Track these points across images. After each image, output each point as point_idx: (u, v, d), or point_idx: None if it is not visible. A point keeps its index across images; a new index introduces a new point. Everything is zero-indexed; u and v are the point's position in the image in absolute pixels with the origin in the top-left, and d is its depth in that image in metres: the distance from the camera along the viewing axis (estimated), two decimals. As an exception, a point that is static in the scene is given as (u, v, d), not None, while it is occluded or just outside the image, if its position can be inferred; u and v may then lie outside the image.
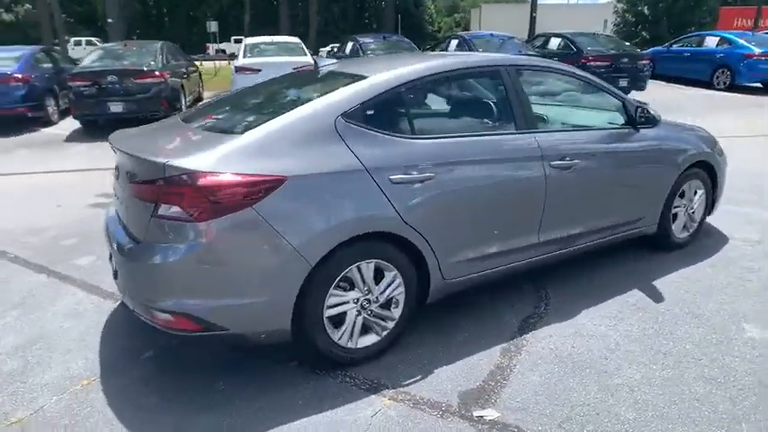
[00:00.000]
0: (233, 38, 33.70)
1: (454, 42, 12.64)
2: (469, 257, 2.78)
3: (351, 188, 2.36)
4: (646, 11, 25.67)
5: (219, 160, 2.15)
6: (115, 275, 2.53)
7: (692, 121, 4.89)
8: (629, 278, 3.45)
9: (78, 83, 8.28)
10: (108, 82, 8.25)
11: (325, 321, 2.41)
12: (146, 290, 2.26)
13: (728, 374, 2.45)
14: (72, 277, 3.62)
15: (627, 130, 3.42)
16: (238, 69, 9.60)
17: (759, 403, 2.26)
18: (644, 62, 11.59)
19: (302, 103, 2.50)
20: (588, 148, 3.21)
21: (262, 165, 2.19)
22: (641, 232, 3.68)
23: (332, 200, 2.31)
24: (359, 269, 2.44)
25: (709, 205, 4.06)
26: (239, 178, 2.12)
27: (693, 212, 3.96)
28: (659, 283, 3.38)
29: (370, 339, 2.59)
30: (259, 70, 9.06)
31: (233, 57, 18.12)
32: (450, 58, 2.98)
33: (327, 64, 3.37)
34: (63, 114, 9.85)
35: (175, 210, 2.13)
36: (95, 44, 29.01)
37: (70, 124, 9.38)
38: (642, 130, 3.46)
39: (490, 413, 2.22)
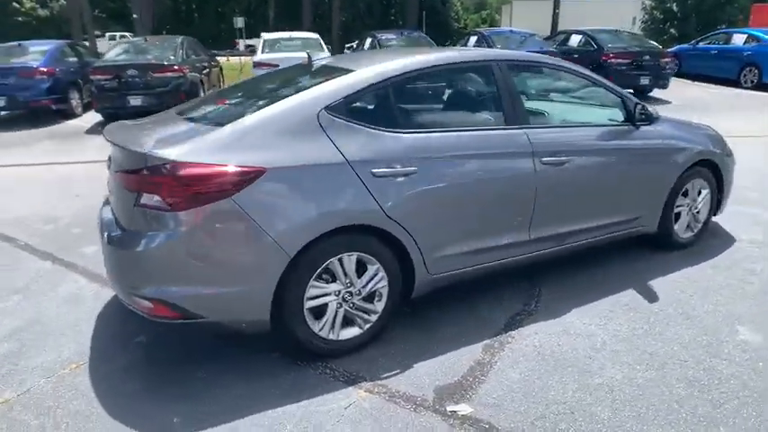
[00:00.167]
0: (262, 34, 34.20)
1: (473, 39, 12.55)
2: (456, 253, 2.77)
3: (332, 181, 2.38)
4: (674, 8, 25.01)
5: (198, 151, 2.20)
6: (105, 263, 2.60)
7: (714, 120, 4.78)
8: (627, 277, 3.39)
9: (99, 76, 8.50)
10: (128, 76, 8.45)
11: (306, 312, 2.43)
12: (128, 277, 2.32)
13: (713, 377, 2.40)
14: (76, 265, 3.73)
15: (625, 128, 3.36)
16: (257, 65, 9.72)
17: (741, 407, 2.20)
18: (667, 60, 11.29)
19: (288, 96, 2.53)
20: (584, 145, 3.16)
21: (241, 156, 2.22)
22: (641, 231, 3.61)
23: (312, 192, 2.33)
24: (340, 262, 2.46)
25: (715, 205, 3.96)
26: (217, 169, 2.16)
27: (698, 212, 3.86)
28: (656, 283, 3.31)
29: (353, 332, 2.60)
30: (277, 65, 9.13)
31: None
32: (439, 54, 2.96)
33: (321, 58, 3.39)
34: (86, 107, 10.11)
35: (156, 199, 2.18)
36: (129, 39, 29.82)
37: (93, 117, 9.64)
38: (642, 128, 3.39)
39: (464, 408, 2.22)
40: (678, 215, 3.75)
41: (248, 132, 2.31)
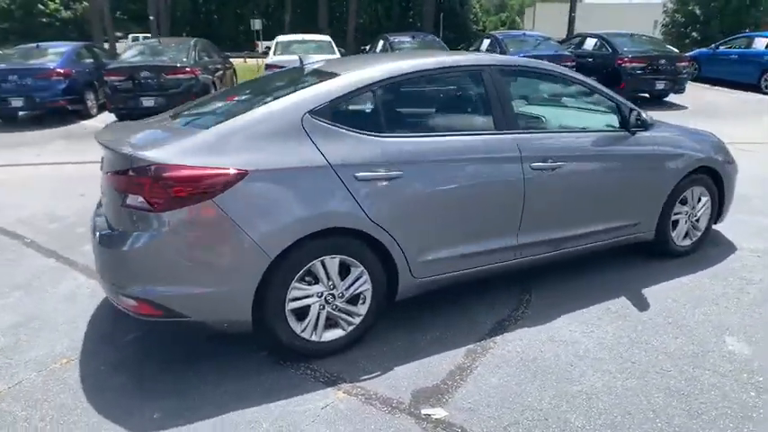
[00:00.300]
0: (277, 36, 34.59)
1: (486, 42, 12.51)
2: (441, 257, 2.78)
3: (314, 184, 2.41)
4: (697, 11, 24.56)
5: (181, 153, 2.25)
6: (95, 262, 2.67)
7: (728, 126, 4.70)
8: (621, 285, 3.37)
9: (113, 78, 8.70)
10: (141, 77, 8.63)
11: (288, 314, 2.47)
12: (113, 275, 2.38)
13: (694, 387, 2.37)
14: (77, 263, 3.82)
15: (620, 134, 3.34)
16: (268, 67, 9.84)
17: (718, 418, 2.17)
18: (683, 64, 11.13)
19: (275, 100, 2.57)
20: (576, 151, 3.15)
21: (223, 159, 2.27)
22: (638, 238, 3.58)
23: (294, 195, 2.37)
24: (323, 264, 2.49)
25: (716, 213, 3.90)
26: (198, 171, 2.21)
27: (698, 220, 3.81)
28: (649, 291, 3.28)
29: (336, 333, 2.63)
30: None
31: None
32: (429, 58, 2.98)
33: (313, 62, 3.43)
34: (101, 108, 10.34)
35: (140, 200, 2.24)
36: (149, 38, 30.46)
37: (107, 117, 9.84)
38: (637, 134, 3.36)
39: (438, 412, 2.23)
40: (676, 223, 3.70)
41: (232, 135, 2.35)
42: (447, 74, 2.95)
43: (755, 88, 12.97)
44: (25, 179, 6.31)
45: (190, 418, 2.23)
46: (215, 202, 2.22)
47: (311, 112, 2.47)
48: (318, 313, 2.55)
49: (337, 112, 2.53)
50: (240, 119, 2.43)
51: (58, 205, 5.09)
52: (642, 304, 3.13)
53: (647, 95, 11.52)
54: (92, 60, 10.56)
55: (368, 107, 2.63)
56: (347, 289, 2.58)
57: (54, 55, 9.69)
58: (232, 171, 2.24)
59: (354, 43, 28.76)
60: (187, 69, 8.86)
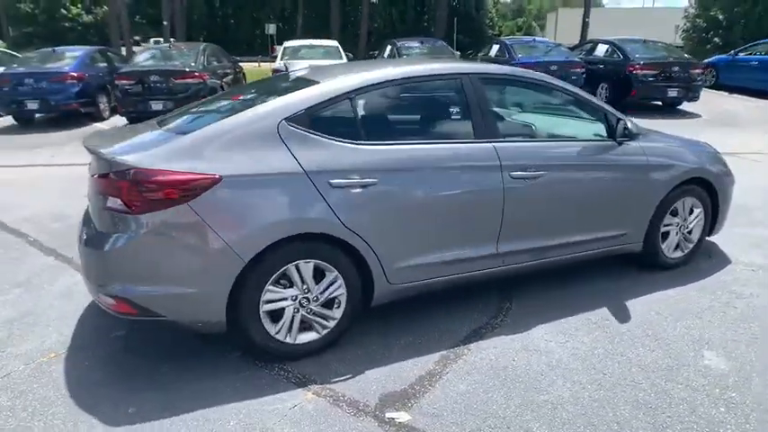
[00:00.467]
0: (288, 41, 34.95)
1: (495, 47, 12.50)
2: (418, 264, 2.81)
3: (288, 190, 2.47)
4: (720, 16, 24.10)
5: (158, 158, 2.33)
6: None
7: (744, 135, 4.61)
8: (606, 295, 3.36)
9: (124, 81, 8.93)
10: (151, 81, 8.84)
11: (262, 315, 2.53)
12: (93, 274, 2.48)
13: (663, 401, 2.36)
14: (75, 261, 3.94)
15: (606, 143, 3.33)
16: (275, 72, 9.98)
17: (681, 432, 2.17)
18: (698, 71, 10.95)
19: (253, 106, 2.64)
20: (558, 160, 3.16)
21: (199, 164, 2.34)
22: (625, 249, 3.56)
23: (267, 200, 2.43)
24: (297, 268, 2.55)
25: (709, 225, 3.86)
26: (173, 176, 2.28)
27: (690, 232, 3.77)
28: (633, 303, 3.26)
29: (310, 336, 2.68)
30: None
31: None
32: (409, 66, 3.02)
33: (298, 69, 3.50)
34: (113, 111, 10.59)
35: (118, 202, 2.32)
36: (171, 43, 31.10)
37: (118, 120, 10.08)
38: (624, 144, 3.35)
39: (402, 416, 2.27)
40: (666, 234, 3.68)
41: (208, 141, 2.43)
42: (425, 82, 2.99)
43: (776, 97, 12.72)
44: (35, 179, 6.52)
45: (163, 413, 2.30)
46: (189, 206, 2.29)
47: (287, 119, 2.53)
48: (293, 316, 2.61)
49: (313, 120, 2.59)
50: (217, 125, 2.51)
51: (64, 205, 5.23)
52: (623, 316, 3.12)
53: (659, 103, 11.38)
54: (105, 64, 10.86)
55: (345, 115, 2.68)
56: (322, 293, 2.63)
57: (69, 59, 10.01)
58: (206, 176, 2.31)
59: (367, 48, 28.90)
60: (195, 74, 9.05)
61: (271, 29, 22.35)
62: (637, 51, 11.20)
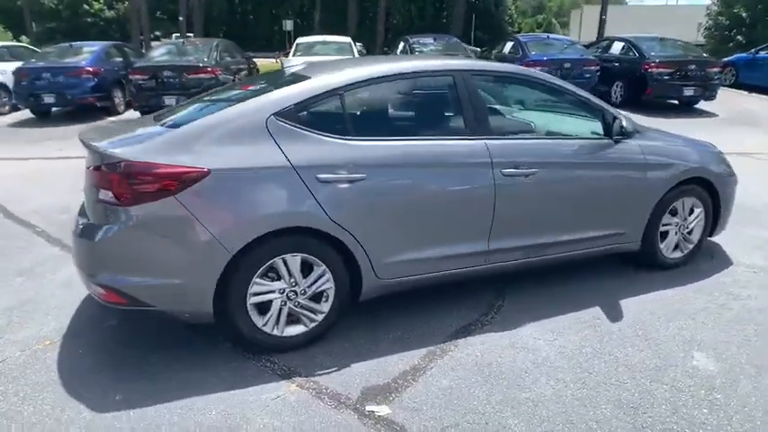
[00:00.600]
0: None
1: (509, 44, 12.41)
2: (407, 259, 2.82)
3: (275, 184, 2.50)
4: (742, 13, 23.57)
5: (148, 151, 2.38)
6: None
7: (761, 134, 4.52)
8: (600, 294, 3.33)
9: (138, 76, 9.08)
10: (164, 76, 8.96)
11: (249, 307, 2.57)
12: (84, 264, 2.54)
13: (646, 401, 2.34)
14: (79, 251, 4.04)
15: (602, 141, 3.30)
16: (287, 68, 10.04)
17: (660, 433, 2.15)
18: (715, 70, 10.74)
19: (245, 102, 2.67)
20: (552, 158, 3.14)
21: (188, 157, 2.38)
22: (622, 248, 3.53)
23: (255, 194, 2.47)
24: (284, 261, 2.58)
25: (710, 226, 3.79)
26: (162, 169, 2.33)
27: (689, 232, 3.72)
28: (628, 303, 3.23)
29: (298, 329, 2.72)
30: None
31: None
32: (400, 63, 3.02)
33: (293, 65, 3.53)
34: (128, 105, 10.79)
35: (109, 195, 2.38)
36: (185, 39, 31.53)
37: (132, 115, 10.25)
38: (621, 142, 3.32)
39: (382, 409, 2.29)
40: (665, 234, 3.63)
41: (198, 135, 2.47)
42: (416, 78, 3.00)
43: (797, 96, 12.42)
44: (46, 172, 6.68)
45: (148, 401, 2.35)
46: (177, 199, 2.34)
47: (276, 114, 2.56)
48: (280, 309, 2.64)
49: (302, 115, 2.62)
50: (208, 119, 2.55)
51: (73, 198, 5.32)
52: (615, 315, 3.09)
53: (675, 102, 11.19)
54: (120, 59, 11.05)
55: (334, 110, 2.70)
56: (309, 286, 2.66)
57: (85, 54, 10.22)
58: (194, 169, 2.35)
59: (384, 44, 28.86)
60: (208, 69, 9.16)
61: (288, 25, 22.49)
62: (653, 49, 11.02)
